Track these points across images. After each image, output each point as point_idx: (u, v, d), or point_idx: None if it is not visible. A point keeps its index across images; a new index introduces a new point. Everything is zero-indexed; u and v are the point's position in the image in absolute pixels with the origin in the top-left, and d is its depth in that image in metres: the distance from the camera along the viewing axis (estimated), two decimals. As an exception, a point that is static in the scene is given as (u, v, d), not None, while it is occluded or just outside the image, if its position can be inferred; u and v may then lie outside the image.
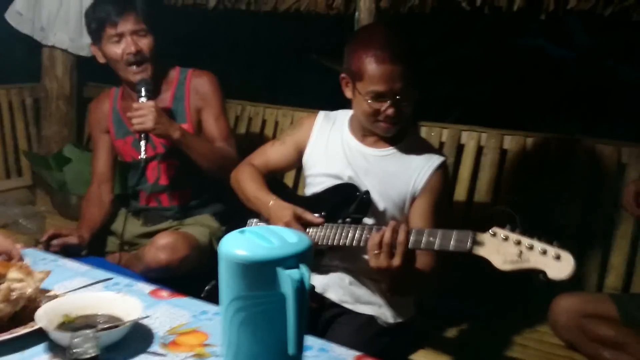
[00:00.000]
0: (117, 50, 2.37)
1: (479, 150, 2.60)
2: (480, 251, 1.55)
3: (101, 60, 2.46)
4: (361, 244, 1.78)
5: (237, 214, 2.21)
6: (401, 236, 1.63)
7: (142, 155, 2.29)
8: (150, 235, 2.48)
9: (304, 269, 1.10)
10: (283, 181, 2.64)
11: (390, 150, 1.98)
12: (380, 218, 1.94)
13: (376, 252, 1.66)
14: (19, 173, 3.70)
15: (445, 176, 2.00)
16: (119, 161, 2.66)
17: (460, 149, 2.64)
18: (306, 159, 2.11)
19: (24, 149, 3.66)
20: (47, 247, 2.29)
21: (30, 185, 3.69)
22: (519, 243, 1.49)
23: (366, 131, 1.98)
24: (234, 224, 2.24)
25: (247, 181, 2.13)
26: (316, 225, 1.89)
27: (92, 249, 2.47)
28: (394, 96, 1.82)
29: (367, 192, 1.92)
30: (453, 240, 1.60)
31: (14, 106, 3.67)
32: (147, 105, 2.26)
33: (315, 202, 1.99)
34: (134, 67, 2.37)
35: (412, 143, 2.00)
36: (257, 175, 2.14)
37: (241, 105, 3.26)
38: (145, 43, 2.37)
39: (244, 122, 3.24)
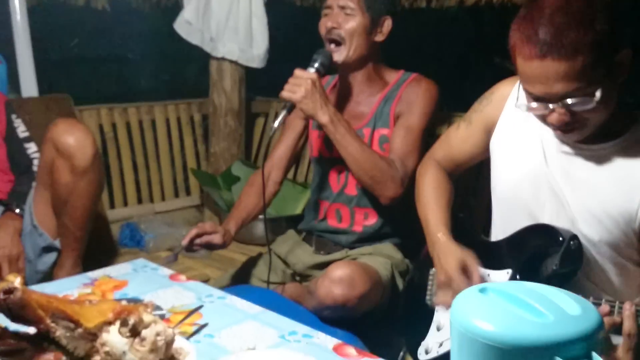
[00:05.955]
0: (323, 24, 2.11)
1: None
2: None
3: None
4: None
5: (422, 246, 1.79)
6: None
7: (276, 123, 1.95)
8: (323, 266, 2.16)
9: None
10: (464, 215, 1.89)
11: (605, 146, 1.37)
12: (591, 262, 1.42)
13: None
14: (187, 192, 3.56)
15: None
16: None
17: None
18: (493, 144, 1.58)
19: (192, 167, 3.51)
20: (189, 249, 2.08)
21: (199, 204, 3.53)
22: None
23: None
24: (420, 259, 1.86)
25: (425, 187, 1.71)
26: None
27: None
28: (558, 100, 1.27)
29: (574, 237, 1.39)
30: None
31: (183, 122, 3.53)
32: (305, 75, 1.96)
33: (502, 250, 1.52)
34: (332, 46, 2.09)
35: None
36: (438, 180, 1.70)
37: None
38: (347, 22, 2.07)
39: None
